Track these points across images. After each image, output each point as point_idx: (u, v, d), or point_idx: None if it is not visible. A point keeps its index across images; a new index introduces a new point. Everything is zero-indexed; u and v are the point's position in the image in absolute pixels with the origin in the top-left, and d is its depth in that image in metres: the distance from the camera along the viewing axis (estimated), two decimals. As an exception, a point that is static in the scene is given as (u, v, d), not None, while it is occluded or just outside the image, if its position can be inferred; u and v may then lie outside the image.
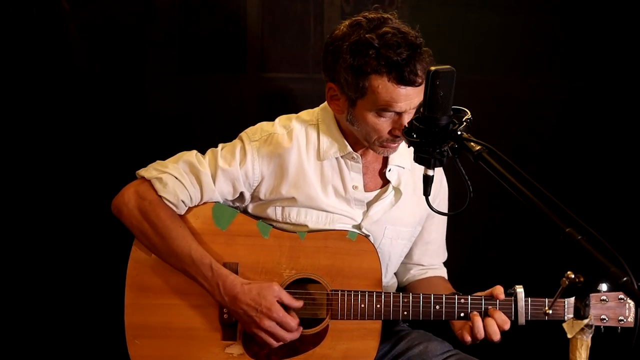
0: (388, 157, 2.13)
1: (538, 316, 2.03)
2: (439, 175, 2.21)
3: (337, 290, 2.06)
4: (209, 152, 2.12)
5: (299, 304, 2.03)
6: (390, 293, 2.06)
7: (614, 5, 2.71)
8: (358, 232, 2.12)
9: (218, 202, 2.11)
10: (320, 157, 2.10)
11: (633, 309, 2.02)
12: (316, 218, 2.11)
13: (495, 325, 2.00)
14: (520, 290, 2.03)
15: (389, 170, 2.14)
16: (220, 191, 2.09)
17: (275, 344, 2.03)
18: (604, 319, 2.03)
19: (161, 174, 2.06)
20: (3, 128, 2.61)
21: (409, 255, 2.29)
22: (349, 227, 2.13)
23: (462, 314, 2.04)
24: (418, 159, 1.58)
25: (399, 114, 1.95)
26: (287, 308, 2.02)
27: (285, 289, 2.06)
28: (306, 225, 2.11)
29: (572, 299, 1.97)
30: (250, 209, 2.15)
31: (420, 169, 1.64)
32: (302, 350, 2.07)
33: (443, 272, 2.34)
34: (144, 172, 2.09)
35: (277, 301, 2.01)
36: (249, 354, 2.07)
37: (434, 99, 1.49)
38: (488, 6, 2.71)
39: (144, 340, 2.07)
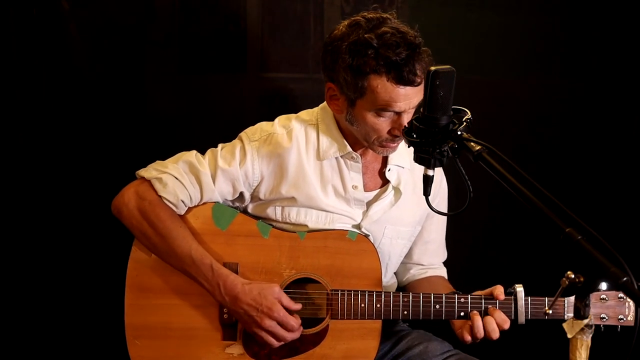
0: (388, 157, 2.13)
1: (538, 315, 2.03)
2: (438, 175, 2.21)
3: (337, 290, 2.06)
4: (209, 152, 2.12)
5: (298, 306, 2.04)
6: (390, 293, 2.06)
7: (614, 5, 2.71)
8: (358, 231, 2.12)
9: (218, 202, 2.11)
10: (320, 156, 2.10)
11: (633, 308, 2.02)
12: (316, 218, 2.12)
13: (495, 323, 2.00)
14: (520, 289, 2.03)
15: (389, 170, 2.14)
16: (220, 191, 2.09)
17: (276, 343, 2.03)
18: (604, 318, 2.03)
19: (161, 174, 2.06)
20: (3, 128, 2.61)
21: (408, 255, 2.29)
22: (348, 227, 2.13)
23: (462, 314, 2.04)
24: (418, 159, 1.58)
25: (398, 114, 1.95)
26: (287, 309, 2.02)
27: (285, 288, 2.06)
28: (306, 225, 2.11)
29: (572, 298, 1.98)
30: (250, 209, 2.15)
31: (419, 169, 1.64)
32: (303, 350, 2.07)
33: (443, 272, 2.34)
34: (143, 172, 2.09)
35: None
36: (249, 353, 2.07)
37: (434, 99, 1.49)
38: (488, 6, 2.71)
39: (144, 340, 2.07)
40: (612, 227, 2.40)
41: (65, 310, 2.70)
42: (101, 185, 2.41)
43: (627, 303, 2.03)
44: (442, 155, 1.54)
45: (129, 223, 2.07)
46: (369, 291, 2.05)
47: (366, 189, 2.14)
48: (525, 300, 2.02)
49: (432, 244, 2.31)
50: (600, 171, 2.80)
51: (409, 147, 1.61)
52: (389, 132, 1.98)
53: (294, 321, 2.01)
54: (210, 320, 2.08)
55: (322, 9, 2.67)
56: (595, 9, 2.72)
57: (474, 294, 2.05)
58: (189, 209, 2.09)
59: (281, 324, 2.00)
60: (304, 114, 2.17)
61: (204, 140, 2.18)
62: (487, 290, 2.04)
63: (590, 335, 1.36)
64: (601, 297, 2.03)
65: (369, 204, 2.15)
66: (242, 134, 2.13)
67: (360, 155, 2.11)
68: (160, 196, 2.04)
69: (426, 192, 1.65)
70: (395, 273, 2.32)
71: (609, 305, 2.03)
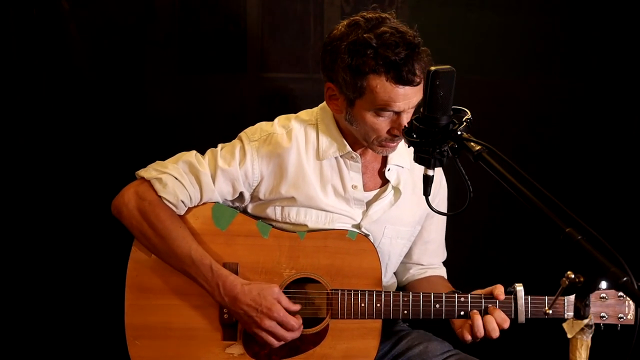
0: (387, 157, 2.13)
1: (538, 314, 2.03)
2: (438, 175, 2.21)
3: (337, 290, 2.06)
4: (209, 152, 2.12)
5: (296, 307, 2.03)
6: (390, 292, 2.06)
7: (614, 5, 2.71)
8: (358, 231, 2.12)
9: (218, 202, 2.11)
10: (320, 156, 2.10)
11: (633, 306, 2.03)
12: (316, 218, 2.12)
13: (495, 323, 2.00)
14: (520, 288, 2.03)
15: (388, 170, 2.14)
16: (220, 191, 2.09)
17: (276, 343, 2.03)
18: (604, 317, 2.03)
19: (161, 174, 2.06)
20: (3, 128, 2.61)
21: (408, 254, 2.29)
22: (348, 227, 2.13)
23: (462, 313, 2.04)
24: (418, 159, 1.58)
25: (398, 114, 1.95)
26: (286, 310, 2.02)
27: (285, 288, 2.06)
28: (306, 225, 2.11)
29: (572, 297, 1.97)
30: (249, 209, 2.15)
31: (419, 169, 1.64)
32: (303, 349, 2.07)
33: (442, 272, 2.34)
34: (143, 172, 2.09)
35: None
36: (250, 354, 2.07)
37: (434, 99, 1.49)
38: (488, 6, 2.72)
39: (144, 340, 2.07)
40: (612, 227, 2.40)
41: (65, 310, 2.70)
42: (101, 185, 2.41)
43: (627, 302, 2.03)
44: (442, 155, 1.54)
45: (128, 223, 2.07)
46: (369, 291, 2.05)
47: (366, 188, 2.14)
48: (525, 299, 2.02)
49: (431, 243, 2.31)
50: (600, 171, 2.80)
51: (409, 147, 1.61)
52: (388, 131, 1.98)
53: (294, 321, 2.01)
54: (211, 321, 2.08)
55: (322, 9, 2.67)
56: (595, 9, 2.72)
57: (473, 293, 2.05)
58: (189, 209, 2.09)
59: (281, 324, 2.00)
60: (304, 114, 2.17)
61: (204, 140, 2.18)
62: (487, 289, 2.04)
63: (591, 335, 1.36)
64: (601, 295, 2.03)
65: (369, 204, 2.15)
66: (242, 134, 2.13)
67: (360, 155, 2.11)
68: (160, 196, 2.04)
69: (426, 192, 1.65)
70: (394, 273, 2.32)
71: (609, 304, 2.04)
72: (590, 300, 1.36)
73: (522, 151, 2.75)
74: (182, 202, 2.06)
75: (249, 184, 2.10)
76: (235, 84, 2.69)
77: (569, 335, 1.37)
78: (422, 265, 2.31)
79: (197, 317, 2.08)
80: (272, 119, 2.17)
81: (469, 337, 2.03)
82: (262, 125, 2.15)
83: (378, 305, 2.04)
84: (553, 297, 1.99)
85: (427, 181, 1.63)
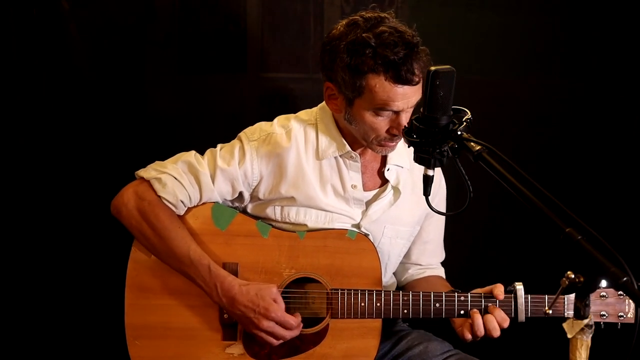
0: (387, 157, 2.13)
1: (538, 313, 2.03)
2: (437, 175, 2.21)
3: (337, 289, 2.06)
4: (208, 152, 2.12)
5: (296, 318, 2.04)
6: (390, 291, 2.06)
7: (614, 5, 2.71)
8: (357, 231, 2.12)
9: (217, 202, 2.11)
10: (319, 156, 2.10)
11: (633, 305, 2.02)
12: (315, 217, 2.12)
13: (495, 321, 2.00)
14: (520, 287, 2.03)
15: (388, 170, 2.14)
16: (220, 191, 2.09)
17: (275, 343, 2.03)
18: (604, 315, 2.03)
19: (160, 174, 2.06)
20: (3, 128, 2.61)
21: (407, 254, 2.29)
22: (348, 227, 2.13)
23: (462, 312, 2.04)
24: (418, 159, 1.58)
25: (397, 113, 1.95)
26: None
27: (284, 288, 2.06)
28: (305, 225, 2.11)
29: (572, 296, 1.97)
30: (249, 208, 2.15)
31: (419, 169, 1.64)
32: (303, 349, 2.07)
33: (441, 272, 2.34)
34: (143, 172, 2.09)
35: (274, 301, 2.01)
36: (250, 353, 2.07)
37: (434, 99, 1.49)
38: (488, 6, 2.72)
39: (144, 340, 2.07)
40: (612, 227, 2.40)
41: (65, 309, 2.70)
42: (101, 185, 2.41)
43: (627, 300, 2.03)
44: (442, 155, 1.54)
45: (128, 223, 2.07)
46: (368, 290, 2.05)
47: (365, 188, 2.14)
48: (525, 298, 2.02)
49: (430, 244, 2.31)
50: (600, 171, 2.80)
51: (409, 147, 1.61)
52: (387, 131, 1.98)
53: (293, 320, 2.01)
54: (211, 320, 2.08)
55: (322, 9, 2.67)
56: (595, 9, 2.72)
57: (473, 292, 2.05)
58: (189, 209, 2.09)
59: (280, 324, 2.00)
60: (303, 113, 2.17)
61: (204, 140, 2.18)
62: (487, 288, 2.04)
63: (591, 335, 1.36)
64: (601, 294, 2.03)
65: (368, 204, 2.15)
66: (241, 134, 2.13)
67: (359, 154, 2.11)
68: (159, 196, 2.04)
69: (426, 192, 1.65)
70: (393, 273, 2.31)
71: (609, 303, 2.04)
72: (590, 299, 1.36)
73: (522, 151, 2.75)
74: (182, 202, 2.06)
75: (248, 183, 2.10)
76: (235, 84, 2.69)
77: (569, 335, 1.37)
78: (420, 265, 2.31)
79: (197, 317, 2.08)
80: (272, 119, 2.17)
81: (469, 336, 2.03)
82: (262, 125, 2.15)
83: (378, 304, 2.04)
84: (553, 296, 2.00)
85: (427, 181, 1.63)
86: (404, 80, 1.89)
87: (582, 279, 1.30)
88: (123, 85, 2.65)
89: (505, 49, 2.74)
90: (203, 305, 2.07)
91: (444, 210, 2.24)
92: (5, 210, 2.64)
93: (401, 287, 2.33)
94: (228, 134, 2.18)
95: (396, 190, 2.15)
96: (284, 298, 2.04)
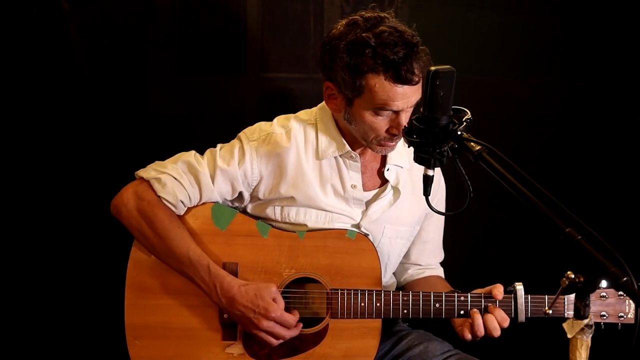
0: (386, 156, 2.13)
1: (538, 313, 2.03)
2: (437, 175, 2.21)
3: (337, 289, 2.06)
4: (208, 152, 2.12)
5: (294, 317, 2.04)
6: (390, 291, 2.06)
7: (614, 5, 2.71)
8: (357, 231, 2.12)
9: (217, 202, 2.11)
10: (319, 156, 2.10)
11: (633, 305, 2.02)
12: (315, 217, 2.12)
13: (496, 321, 2.00)
14: (519, 287, 2.03)
15: (388, 170, 2.14)
16: (219, 191, 2.09)
17: (275, 342, 2.03)
18: (604, 316, 2.03)
19: (160, 174, 2.06)
20: (3, 128, 2.61)
21: (406, 254, 2.29)
22: (348, 227, 2.13)
23: (462, 312, 2.04)
24: (418, 159, 1.58)
25: (396, 113, 1.95)
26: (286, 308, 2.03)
27: (284, 288, 2.06)
28: (305, 225, 2.11)
29: (572, 296, 1.97)
30: (249, 208, 2.15)
31: (418, 169, 1.64)
32: (303, 349, 2.07)
33: (440, 272, 2.34)
34: (142, 172, 2.09)
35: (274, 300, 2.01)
36: (250, 353, 2.07)
37: (434, 99, 1.49)
38: (488, 6, 2.72)
39: (144, 340, 2.07)
40: (612, 227, 2.40)
41: (65, 309, 2.70)
42: (101, 185, 2.41)
43: (627, 301, 2.03)
44: (442, 155, 1.54)
45: (127, 223, 2.07)
46: (368, 290, 2.05)
47: (365, 188, 2.14)
48: (525, 298, 2.02)
49: (430, 244, 2.31)
50: (600, 171, 2.80)
51: (409, 147, 1.61)
52: (387, 131, 1.98)
53: (292, 318, 2.01)
54: (210, 320, 2.08)
55: (322, 9, 2.67)
56: (595, 9, 2.72)
57: (473, 292, 2.05)
58: (189, 209, 2.09)
59: (280, 323, 2.00)
60: (303, 113, 2.17)
61: (204, 140, 2.18)
62: (487, 289, 2.04)
63: (591, 335, 1.36)
64: (601, 294, 2.03)
65: (368, 204, 2.15)
66: (241, 134, 2.13)
67: (359, 154, 2.11)
68: (159, 196, 2.04)
69: (426, 192, 1.65)
70: (393, 273, 2.31)
71: (609, 303, 2.04)
72: (590, 299, 1.36)
73: (522, 151, 2.75)
74: (182, 202, 2.06)
75: (248, 183, 2.10)
76: (235, 84, 2.69)
77: (569, 336, 1.37)
78: (420, 265, 2.31)
79: (197, 317, 2.08)
80: (271, 119, 2.17)
81: (469, 336, 2.03)
82: (261, 125, 2.15)
83: (378, 304, 2.04)
84: (553, 296, 1.99)
85: (427, 181, 1.63)
86: (404, 80, 1.89)
87: (582, 279, 1.30)
88: (123, 85, 2.65)
89: (505, 49, 2.74)
90: (203, 305, 2.07)
91: (443, 210, 2.24)
92: (6, 210, 2.64)
93: (401, 287, 2.33)
94: (228, 134, 2.18)
95: (396, 190, 2.15)
96: (283, 298, 2.04)
